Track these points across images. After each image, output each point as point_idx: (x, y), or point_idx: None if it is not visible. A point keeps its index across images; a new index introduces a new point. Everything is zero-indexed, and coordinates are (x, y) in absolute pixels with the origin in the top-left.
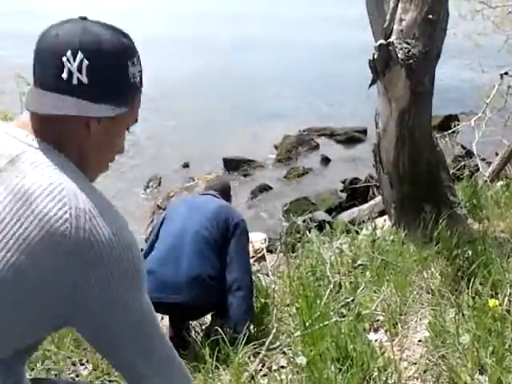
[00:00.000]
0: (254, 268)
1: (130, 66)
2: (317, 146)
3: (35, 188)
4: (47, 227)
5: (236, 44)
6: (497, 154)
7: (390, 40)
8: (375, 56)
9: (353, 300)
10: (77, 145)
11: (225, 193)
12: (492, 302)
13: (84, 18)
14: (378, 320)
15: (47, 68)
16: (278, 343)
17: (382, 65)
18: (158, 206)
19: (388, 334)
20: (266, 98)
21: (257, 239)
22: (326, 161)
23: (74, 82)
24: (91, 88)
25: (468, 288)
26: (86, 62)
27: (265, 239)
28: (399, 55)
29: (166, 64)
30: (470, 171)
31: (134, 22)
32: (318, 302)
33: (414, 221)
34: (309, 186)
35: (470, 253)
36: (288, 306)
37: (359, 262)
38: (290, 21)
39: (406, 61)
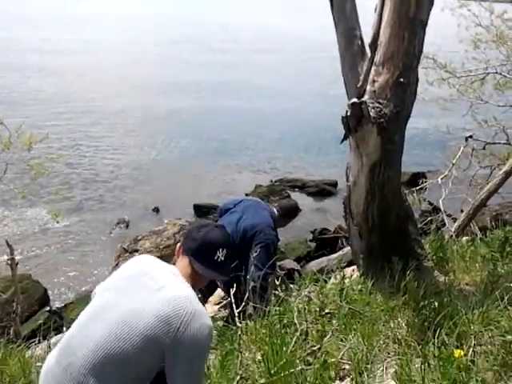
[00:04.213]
0: (219, 314)
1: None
2: (288, 197)
3: None
4: None
5: (213, 91)
6: (462, 211)
7: (363, 99)
8: (348, 113)
9: (319, 348)
10: None
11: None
12: (457, 353)
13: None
14: (344, 368)
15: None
16: None
17: (354, 122)
18: (124, 248)
19: (354, 382)
20: (240, 147)
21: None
22: None
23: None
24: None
25: (434, 338)
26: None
27: None
28: (371, 114)
29: (143, 106)
30: (437, 226)
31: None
32: (284, 349)
33: (382, 271)
34: (278, 234)
35: (436, 304)
36: (253, 352)
37: (327, 311)
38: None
39: (378, 119)
